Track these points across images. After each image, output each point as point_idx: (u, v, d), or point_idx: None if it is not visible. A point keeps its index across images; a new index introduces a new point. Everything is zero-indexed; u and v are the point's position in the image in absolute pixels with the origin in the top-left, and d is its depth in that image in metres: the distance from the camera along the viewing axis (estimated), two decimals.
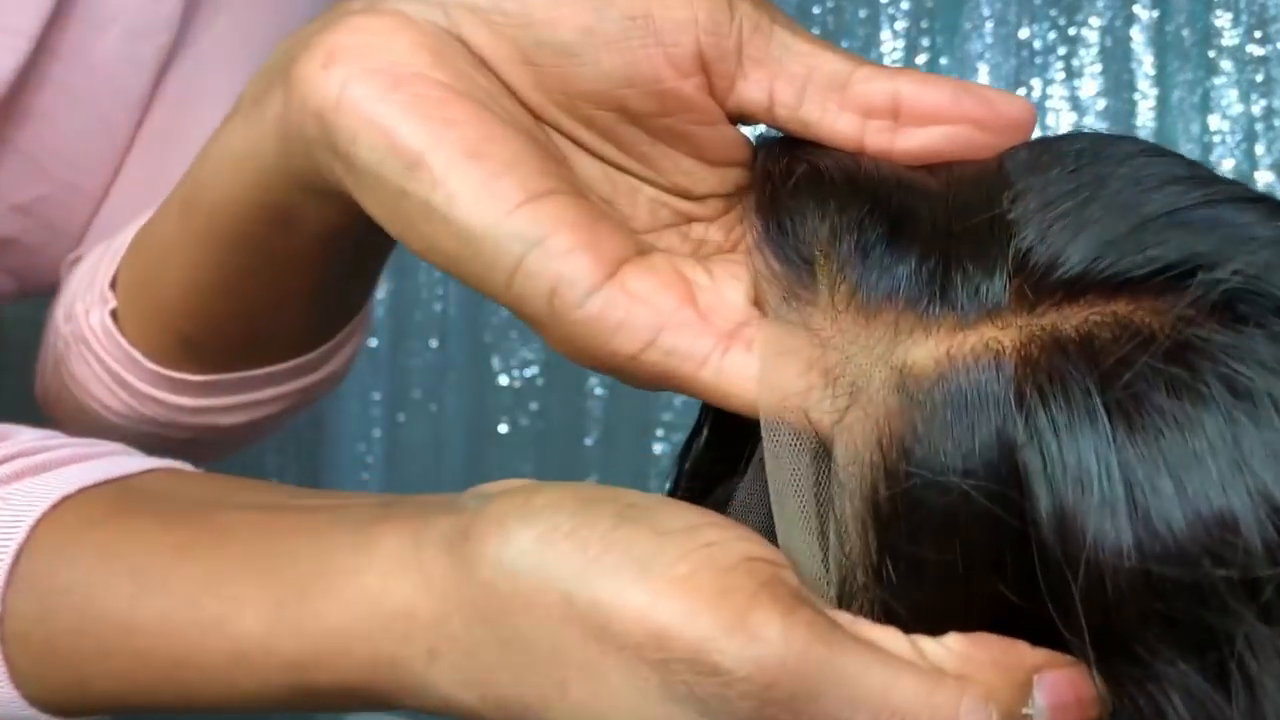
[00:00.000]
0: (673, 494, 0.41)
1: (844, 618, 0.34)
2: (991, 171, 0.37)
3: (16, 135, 0.55)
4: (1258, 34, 0.97)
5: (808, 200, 0.37)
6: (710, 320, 0.36)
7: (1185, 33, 0.98)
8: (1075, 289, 0.34)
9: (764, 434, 0.36)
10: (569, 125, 0.38)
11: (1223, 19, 0.97)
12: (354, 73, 0.36)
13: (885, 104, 0.37)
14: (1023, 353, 0.34)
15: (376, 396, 1.03)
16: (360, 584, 0.35)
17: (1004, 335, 0.34)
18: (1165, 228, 0.35)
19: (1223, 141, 0.97)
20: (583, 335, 0.36)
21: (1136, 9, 0.98)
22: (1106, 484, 0.32)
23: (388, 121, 0.36)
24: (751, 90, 0.38)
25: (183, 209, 0.45)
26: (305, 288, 0.45)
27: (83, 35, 0.55)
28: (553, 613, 0.33)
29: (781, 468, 0.36)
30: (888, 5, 1.00)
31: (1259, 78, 0.97)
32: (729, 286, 0.38)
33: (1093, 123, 0.98)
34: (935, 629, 0.34)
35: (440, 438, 1.03)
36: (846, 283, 0.36)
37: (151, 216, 0.48)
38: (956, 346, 0.34)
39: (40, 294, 0.58)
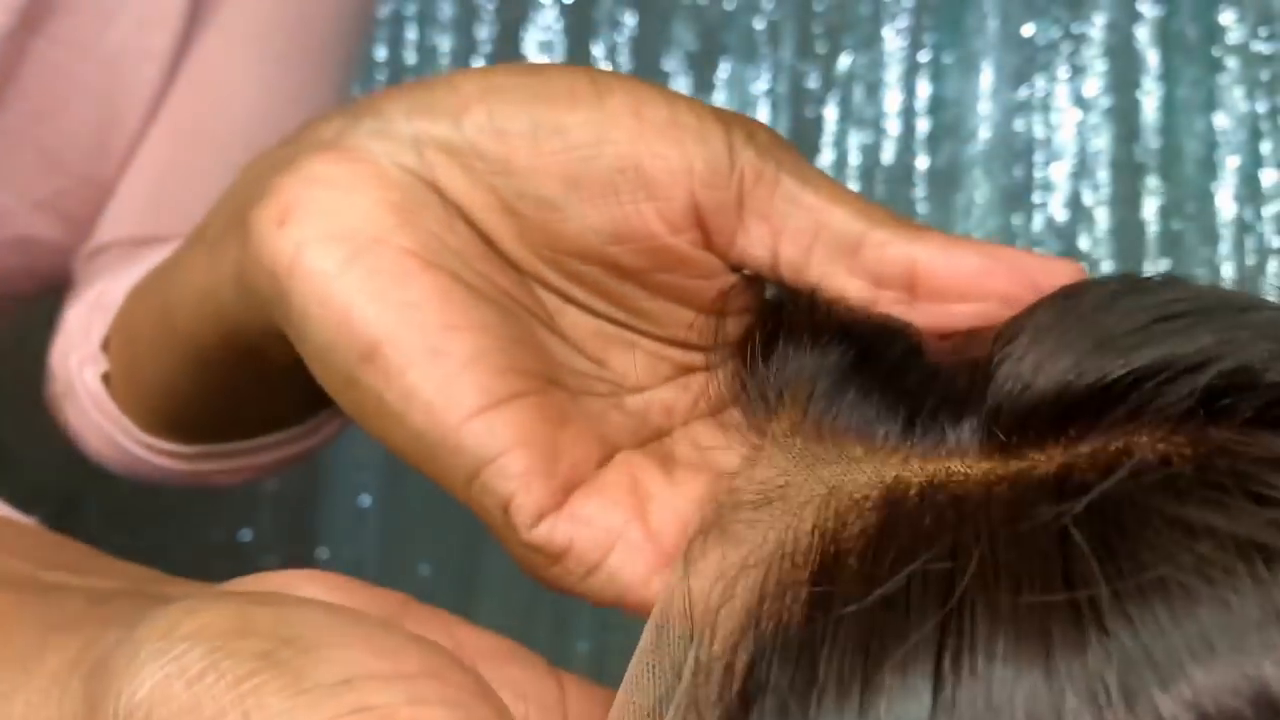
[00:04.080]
0: None
1: None
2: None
3: (33, 129, 0.54)
4: (1263, 31, 0.97)
5: (787, 344, 0.33)
6: (659, 538, 0.33)
7: (1190, 30, 0.97)
8: (1048, 423, 0.29)
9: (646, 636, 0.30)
10: (556, 280, 0.35)
11: (1228, 16, 0.97)
12: (309, 237, 0.32)
13: (900, 274, 0.33)
14: (988, 488, 0.28)
15: None
16: (6, 711, 0.29)
17: (967, 467, 0.29)
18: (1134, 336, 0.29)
19: (1227, 140, 0.96)
20: (531, 557, 0.33)
21: (1141, 6, 0.98)
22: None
23: (342, 303, 0.32)
24: (753, 246, 0.34)
25: (158, 320, 0.43)
26: (288, 391, 0.42)
27: (91, 26, 0.54)
28: None
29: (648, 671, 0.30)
30: (890, 3, 0.99)
31: (1264, 75, 0.97)
32: (685, 495, 0.34)
33: (1096, 121, 0.98)
34: None
35: None
36: (799, 413, 0.32)
37: (135, 294, 0.46)
38: (908, 470, 0.30)
39: (59, 289, 0.58)
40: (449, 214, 0.34)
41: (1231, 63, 0.97)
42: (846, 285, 0.33)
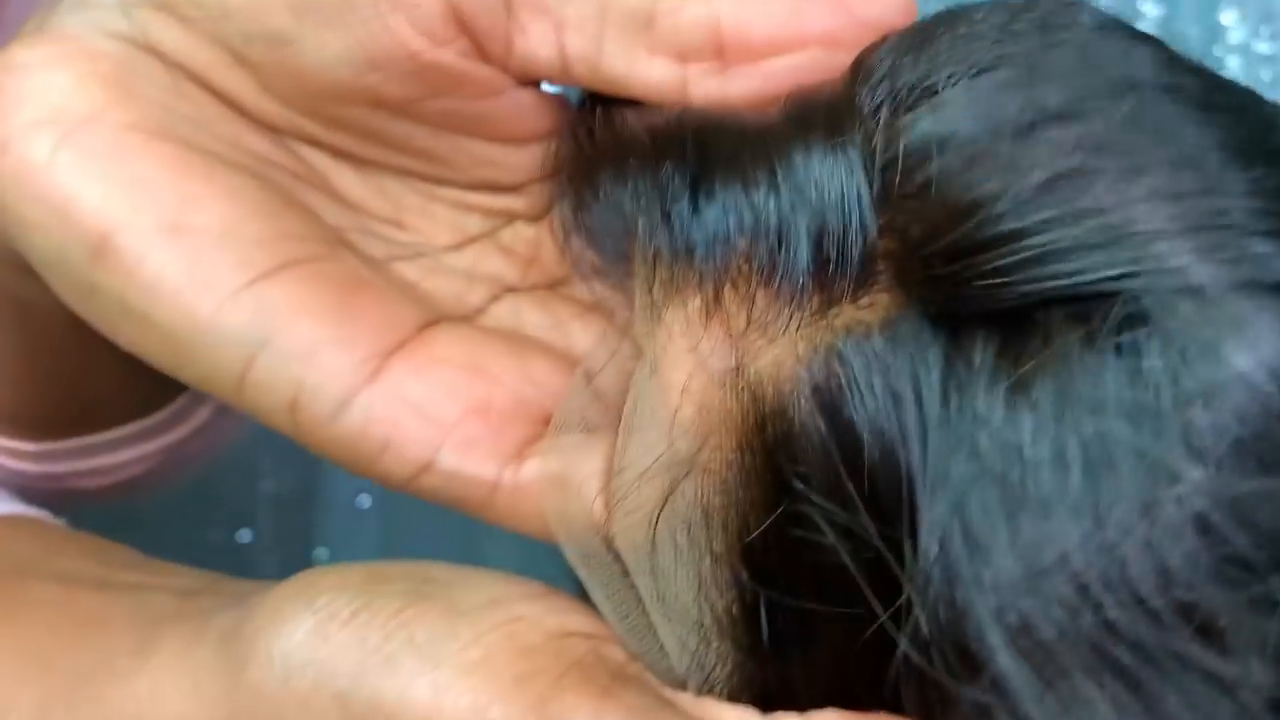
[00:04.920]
0: None
1: (684, 699, 0.28)
2: (843, 78, 0.29)
3: None
4: (1265, 31, 0.96)
5: (611, 172, 0.29)
6: (504, 427, 0.30)
7: (1191, 30, 0.97)
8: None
9: (565, 553, 0.30)
10: (317, 132, 0.30)
11: (1229, 16, 0.97)
12: (13, 130, 0.28)
13: (704, 39, 0.28)
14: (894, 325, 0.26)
15: None
16: (131, 691, 0.30)
17: (870, 313, 0.26)
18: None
19: None
20: (341, 453, 0.29)
21: (1142, 6, 0.97)
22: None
23: (59, 194, 0.28)
24: (535, 47, 0.29)
25: None
26: (98, 355, 0.36)
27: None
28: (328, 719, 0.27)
29: (597, 578, 0.30)
30: None
31: (1266, 75, 0.96)
32: (538, 365, 0.30)
33: None
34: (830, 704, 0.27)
35: None
36: (660, 267, 0.28)
37: None
38: (815, 337, 0.27)
39: None
40: (174, 77, 0.29)
41: (1233, 63, 0.96)
42: (649, 70, 0.29)
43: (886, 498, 0.26)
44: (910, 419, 0.25)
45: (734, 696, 0.28)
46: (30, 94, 0.28)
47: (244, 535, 0.94)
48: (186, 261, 0.28)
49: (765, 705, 0.28)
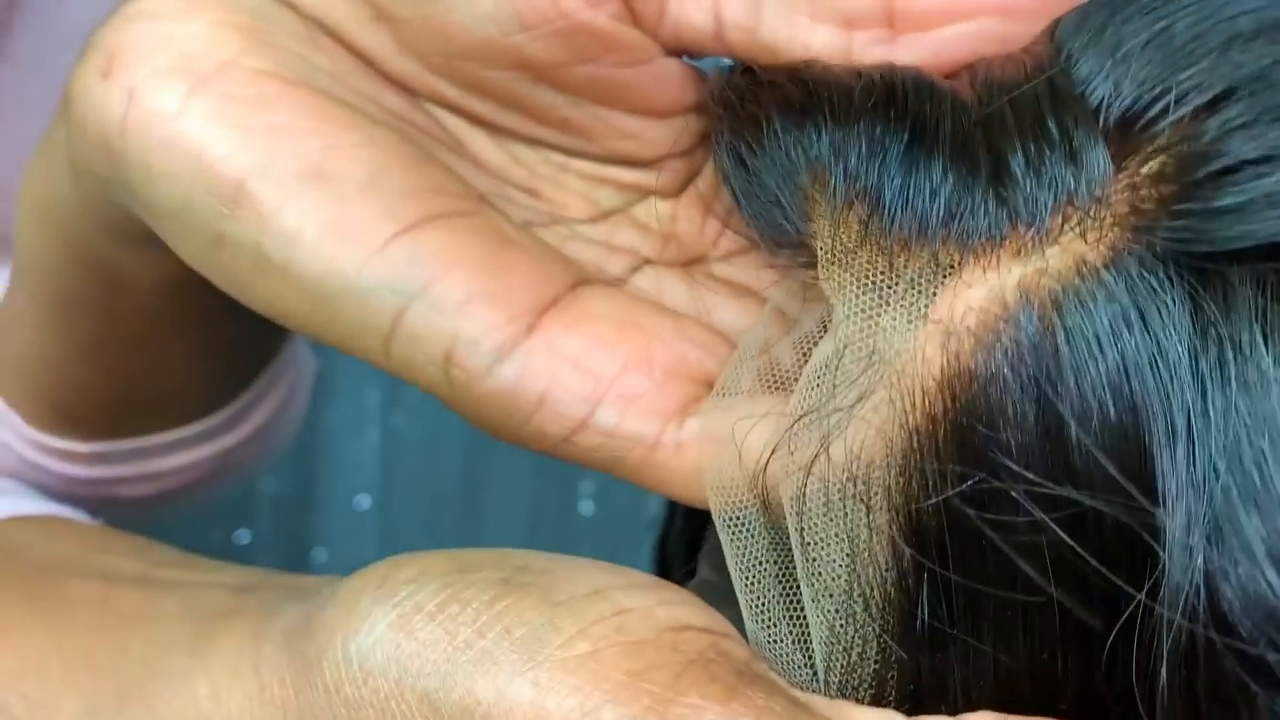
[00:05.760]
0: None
1: (817, 701, 0.25)
2: (1038, 47, 0.27)
3: None
4: None
5: (787, 125, 0.27)
6: (667, 382, 0.28)
7: None
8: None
9: (714, 518, 0.28)
10: (455, 96, 0.29)
11: None
12: (142, 78, 0.27)
13: (874, 5, 0.27)
14: (1147, 258, 0.24)
15: (372, 397, 1.01)
16: (188, 693, 0.28)
17: (1101, 238, 0.24)
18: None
19: None
20: (494, 412, 0.27)
21: None
22: None
23: (192, 143, 0.26)
24: (690, 11, 0.28)
25: (15, 269, 0.36)
26: (175, 349, 0.36)
27: (45, 45, 0.52)
28: None
29: (741, 547, 0.27)
30: None
31: None
32: (693, 328, 0.29)
33: None
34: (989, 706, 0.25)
35: (438, 439, 1.01)
36: (854, 212, 0.26)
37: None
38: (1036, 271, 0.24)
39: None
40: (311, 30, 0.28)
41: None
42: (812, 37, 0.27)
43: (1125, 461, 0.23)
44: (1149, 369, 0.23)
45: (877, 693, 0.26)
46: (161, 42, 0.27)
47: (242, 536, 0.94)
48: (330, 209, 0.26)
49: (910, 706, 0.25)
